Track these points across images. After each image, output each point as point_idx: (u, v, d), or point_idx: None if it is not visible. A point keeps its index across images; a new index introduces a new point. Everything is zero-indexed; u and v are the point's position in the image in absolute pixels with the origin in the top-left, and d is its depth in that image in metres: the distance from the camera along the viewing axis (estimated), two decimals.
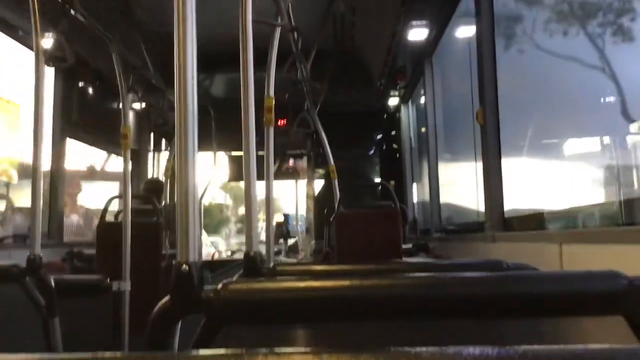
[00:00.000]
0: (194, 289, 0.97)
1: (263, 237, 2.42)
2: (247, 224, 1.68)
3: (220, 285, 0.95)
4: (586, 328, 1.06)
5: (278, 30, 2.50)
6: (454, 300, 1.01)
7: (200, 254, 1.05)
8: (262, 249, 2.14)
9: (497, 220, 3.16)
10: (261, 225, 2.35)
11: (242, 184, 2.08)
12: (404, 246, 4.51)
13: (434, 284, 1.03)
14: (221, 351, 0.40)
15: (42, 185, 2.34)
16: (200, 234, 4.79)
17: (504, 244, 2.95)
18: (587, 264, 1.93)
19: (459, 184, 4.95)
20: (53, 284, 2.20)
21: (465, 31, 4.30)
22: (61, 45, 2.89)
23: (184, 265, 0.99)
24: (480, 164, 3.47)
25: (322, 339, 1.08)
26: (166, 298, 0.99)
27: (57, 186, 5.03)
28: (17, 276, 2.11)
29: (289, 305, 0.98)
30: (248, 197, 1.69)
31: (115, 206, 4.72)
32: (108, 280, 3.00)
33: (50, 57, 2.97)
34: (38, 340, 2.13)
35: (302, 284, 1.01)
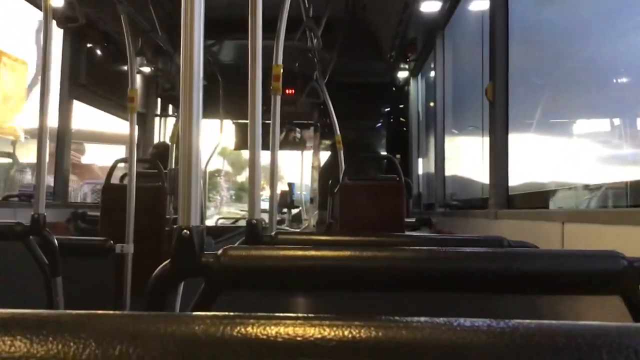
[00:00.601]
0: (194, 253, 0.98)
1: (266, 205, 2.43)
2: (249, 192, 1.68)
3: (220, 251, 0.96)
4: (584, 307, 1.07)
5: None
6: (453, 275, 1.01)
7: (202, 219, 1.06)
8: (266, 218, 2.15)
9: (501, 197, 3.16)
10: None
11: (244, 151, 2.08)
12: (407, 220, 4.53)
13: (434, 257, 1.03)
14: (218, 314, 0.41)
15: (47, 145, 2.35)
16: (205, 200, 4.82)
17: (506, 222, 2.95)
18: (588, 243, 1.93)
19: (465, 160, 4.94)
20: (57, 243, 2.23)
21: (479, 5, 4.24)
22: (72, 5, 2.87)
23: (185, 230, 0.99)
24: (486, 140, 3.46)
25: (320, 308, 1.09)
26: (167, 261, 1.00)
27: (64, 147, 5.04)
28: (20, 234, 2.13)
29: (287, 273, 0.99)
30: (252, 166, 1.69)
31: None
32: (111, 242, 3.03)
33: (61, 18, 2.96)
34: (40, 299, 2.16)
35: (301, 253, 1.01)
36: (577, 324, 0.41)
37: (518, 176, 3.21)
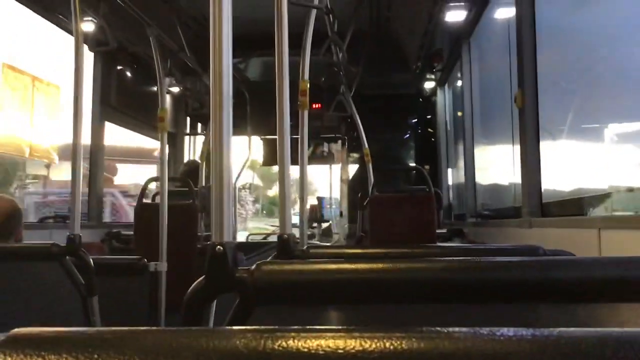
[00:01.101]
0: (228, 269, 0.99)
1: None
2: (280, 207, 1.68)
3: (253, 266, 0.96)
4: (625, 314, 1.04)
5: (314, 12, 2.48)
6: (489, 285, 1.00)
7: (235, 235, 1.07)
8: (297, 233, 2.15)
9: (535, 205, 3.11)
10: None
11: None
12: (438, 231, 4.48)
13: (468, 267, 1.02)
14: (258, 328, 0.41)
15: (81, 167, 2.39)
16: (235, 216, 4.84)
17: (541, 230, 2.90)
18: (626, 250, 1.89)
19: (496, 169, 4.88)
20: (92, 263, 2.26)
21: (505, 12, 4.21)
22: (103, 29, 2.93)
23: (219, 246, 1.00)
24: (517, 148, 3.41)
25: (354, 321, 1.08)
26: (201, 277, 1.00)
27: (97, 168, 5.14)
28: (57, 255, 2.17)
29: (320, 287, 0.98)
30: (282, 181, 1.70)
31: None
32: (145, 261, 3.07)
33: (92, 42, 3.03)
34: (77, 318, 2.18)
35: (334, 266, 1.01)
36: (624, 331, 0.39)
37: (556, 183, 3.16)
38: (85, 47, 2.80)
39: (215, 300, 1.07)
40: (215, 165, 1.06)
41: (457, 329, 0.40)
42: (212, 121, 1.07)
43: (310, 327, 0.41)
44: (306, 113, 2.31)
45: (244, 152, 6.80)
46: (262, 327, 0.41)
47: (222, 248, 1.00)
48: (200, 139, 7.73)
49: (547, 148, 3.18)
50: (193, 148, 7.72)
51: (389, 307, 1.03)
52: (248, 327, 0.41)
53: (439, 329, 0.40)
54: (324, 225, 8.27)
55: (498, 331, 0.39)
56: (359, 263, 1.01)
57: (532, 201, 3.12)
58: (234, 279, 0.96)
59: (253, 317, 0.93)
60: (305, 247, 1.79)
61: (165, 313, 3.28)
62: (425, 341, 0.38)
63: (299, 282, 0.98)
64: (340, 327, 0.40)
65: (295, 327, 0.41)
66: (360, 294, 1.00)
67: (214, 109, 1.07)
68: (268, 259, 1.39)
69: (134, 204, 4.57)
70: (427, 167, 6.72)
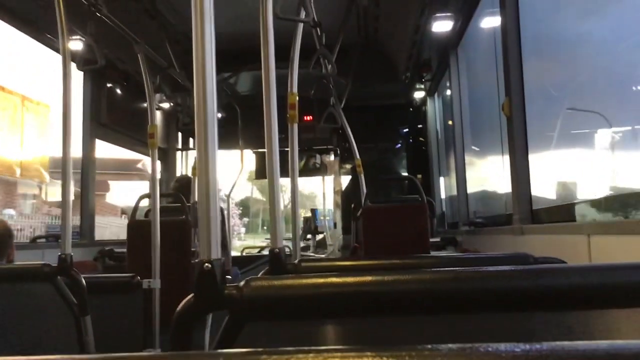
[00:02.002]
0: (216, 286, 0.98)
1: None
2: (271, 220, 1.68)
3: (242, 283, 0.96)
4: (616, 320, 1.04)
5: (301, 26, 2.49)
6: (481, 295, 1.00)
7: (227, 251, 1.06)
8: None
9: (525, 212, 3.12)
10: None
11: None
12: (432, 240, 4.49)
13: (460, 278, 1.02)
14: (248, 350, 0.40)
15: (72, 186, 2.38)
16: (228, 231, 4.84)
17: (532, 237, 2.91)
18: (616, 256, 1.90)
19: (487, 177, 4.90)
20: (84, 282, 2.24)
21: (491, 22, 4.25)
22: (91, 47, 2.94)
23: (207, 263, 1.00)
24: (507, 156, 3.43)
25: (347, 336, 1.08)
26: (190, 296, 1.00)
27: (88, 186, 5.12)
28: (49, 275, 2.16)
29: (311, 301, 0.98)
30: (272, 194, 1.70)
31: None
32: (138, 278, 3.05)
33: (80, 60, 3.03)
34: (70, 338, 2.17)
35: (324, 280, 1.01)
36: (613, 343, 0.40)
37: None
38: (74, 65, 2.80)
39: (207, 318, 1.07)
40: (201, 180, 1.06)
41: (450, 345, 0.40)
42: (197, 136, 1.07)
43: (299, 348, 0.41)
44: (296, 126, 2.32)
45: (239, 165, 6.80)
46: (251, 349, 0.41)
47: (210, 265, 0.99)
48: (192, 153, 7.73)
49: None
50: (185, 163, 7.72)
51: (383, 320, 1.03)
52: (237, 351, 0.41)
53: (434, 346, 0.40)
54: (319, 236, 8.26)
55: (490, 347, 0.40)
56: (350, 276, 1.01)
57: (522, 208, 3.14)
58: (223, 296, 0.96)
59: (244, 333, 0.93)
60: (298, 260, 1.78)
61: (160, 331, 3.26)
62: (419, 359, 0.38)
63: (289, 297, 0.97)
64: (330, 348, 0.40)
65: (286, 348, 0.41)
66: (352, 307, 1.00)
67: (198, 124, 1.07)
68: (259, 274, 1.39)
69: None
70: (419, 176, 6.74)
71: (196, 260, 1.00)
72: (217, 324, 1.00)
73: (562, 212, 2.83)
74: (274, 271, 1.55)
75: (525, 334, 1.05)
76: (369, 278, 1.00)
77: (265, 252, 7.68)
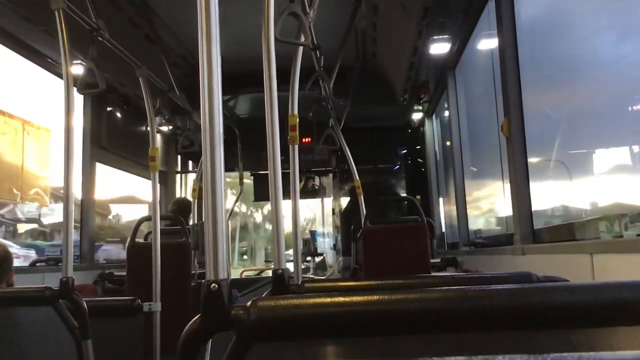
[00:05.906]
0: (223, 307, 0.98)
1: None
2: (274, 242, 1.68)
3: (249, 303, 0.96)
4: (620, 338, 1.04)
5: (301, 49, 2.52)
6: (484, 313, 1.00)
7: (229, 272, 1.06)
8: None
9: (526, 232, 3.12)
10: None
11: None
12: (432, 261, 4.47)
13: (463, 296, 1.02)
14: None
15: (73, 209, 2.38)
16: (229, 252, 4.82)
17: (534, 257, 2.91)
18: (619, 274, 1.90)
19: (487, 197, 4.90)
20: (86, 306, 2.23)
21: (488, 43, 4.29)
22: (92, 71, 2.96)
23: (214, 284, 1.00)
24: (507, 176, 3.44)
25: (353, 355, 1.08)
26: (196, 317, 1.00)
27: (88, 210, 5.12)
28: (50, 299, 2.15)
29: (317, 321, 0.98)
30: (275, 216, 1.71)
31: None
32: (139, 302, 3.03)
33: (81, 85, 3.05)
34: None
35: (330, 300, 1.01)
36: (617, 354, 0.40)
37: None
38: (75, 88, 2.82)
39: (211, 340, 1.07)
40: (208, 202, 1.06)
41: (452, 358, 0.40)
42: (204, 158, 1.08)
43: None
44: (296, 148, 2.33)
45: (237, 188, 6.81)
46: None
47: (217, 286, 0.99)
48: (191, 176, 7.75)
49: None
50: (185, 186, 7.73)
51: (387, 339, 1.03)
52: None
53: (435, 358, 0.40)
54: (318, 258, 8.24)
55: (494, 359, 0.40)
56: (355, 296, 1.01)
57: (523, 228, 3.14)
58: (230, 316, 0.96)
59: (250, 353, 0.93)
60: (300, 281, 1.78)
61: (161, 354, 3.24)
62: None
63: (296, 317, 0.98)
64: None
65: None
66: (358, 326, 1.00)
67: (205, 147, 1.08)
68: (263, 295, 1.38)
69: None
70: (418, 197, 6.75)
71: (199, 282, 1.00)
72: (217, 345, 1.00)
73: (564, 231, 2.83)
74: (278, 292, 1.54)
75: (528, 353, 1.05)
76: (376, 297, 1.00)
77: (264, 274, 7.66)
